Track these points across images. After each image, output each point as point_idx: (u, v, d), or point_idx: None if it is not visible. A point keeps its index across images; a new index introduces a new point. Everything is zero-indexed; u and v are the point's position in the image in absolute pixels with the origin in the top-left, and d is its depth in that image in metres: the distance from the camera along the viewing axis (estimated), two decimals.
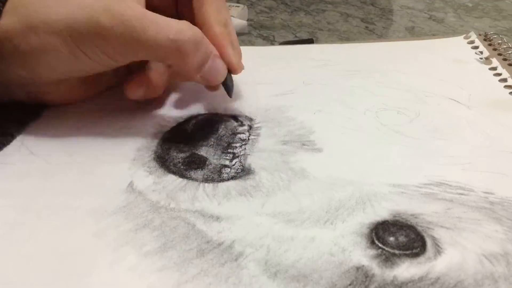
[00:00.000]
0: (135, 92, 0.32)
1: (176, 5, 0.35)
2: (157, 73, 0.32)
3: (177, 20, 0.28)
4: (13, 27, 0.27)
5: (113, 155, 0.29)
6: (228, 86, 0.32)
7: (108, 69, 0.30)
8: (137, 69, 0.33)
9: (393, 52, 0.44)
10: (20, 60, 0.28)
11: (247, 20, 0.55)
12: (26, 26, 0.27)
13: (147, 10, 0.28)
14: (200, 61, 0.29)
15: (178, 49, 0.28)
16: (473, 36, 0.45)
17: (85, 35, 0.27)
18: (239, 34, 0.52)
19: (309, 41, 0.48)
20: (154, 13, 0.28)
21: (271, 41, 0.51)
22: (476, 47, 0.43)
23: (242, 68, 0.32)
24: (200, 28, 0.30)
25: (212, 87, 0.33)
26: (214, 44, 0.31)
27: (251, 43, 0.50)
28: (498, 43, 0.43)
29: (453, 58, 0.42)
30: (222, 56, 0.31)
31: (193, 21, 0.31)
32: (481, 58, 0.41)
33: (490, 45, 0.43)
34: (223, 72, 0.31)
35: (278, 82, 0.38)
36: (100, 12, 0.27)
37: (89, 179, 0.27)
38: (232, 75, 0.33)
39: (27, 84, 0.31)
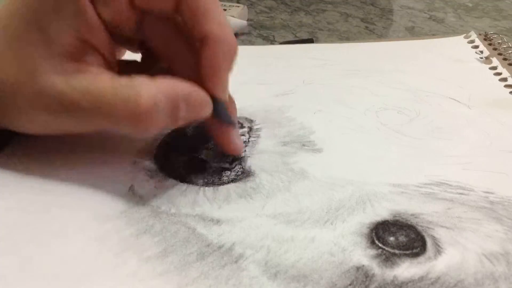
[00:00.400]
0: None
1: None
2: None
3: (126, 86, 0.24)
4: None
5: (113, 158, 0.29)
6: (222, 114, 0.27)
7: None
8: None
9: (393, 52, 0.44)
10: None
11: (247, 20, 0.55)
12: None
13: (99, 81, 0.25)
14: (171, 116, 0.24)
15: (135, 123, 0.24)
16: (473, 35, 0.45)
17: (55, 108, 0.25)
18: (239, 34, 0.52)
19: (309, 41, 0.49)
20: (106, 82, 0.24)
21: (271, 41, 0.51)
22: (476, 47, 0.43)
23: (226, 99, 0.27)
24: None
25: (220, 130, 0.28)
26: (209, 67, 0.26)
27: (251, 43, 0.50)
28: (498, 43, 0.43)
29: (453, 58, 0.42)
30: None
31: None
32: (481, 58, 0.41)
33: (490, 44, 0.43)
34: (206, 103, 0.26)
35: (278, 82, 0.38)
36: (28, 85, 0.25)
37: (89, 181, 0.27)
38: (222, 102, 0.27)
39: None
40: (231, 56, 0.27)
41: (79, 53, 0.25)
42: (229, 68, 0.27)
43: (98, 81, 0.25)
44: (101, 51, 0.26)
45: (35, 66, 0.25)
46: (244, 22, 0.51)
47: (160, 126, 0.24)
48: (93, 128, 0.26)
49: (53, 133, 0.28)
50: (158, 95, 0.24)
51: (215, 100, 0.26)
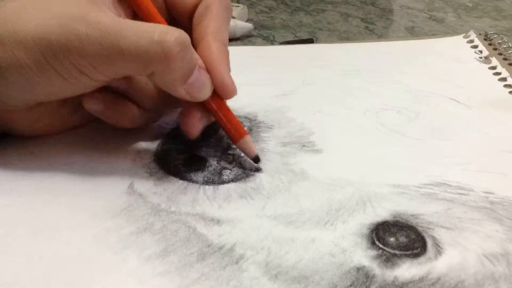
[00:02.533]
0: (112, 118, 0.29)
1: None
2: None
3: (160, 24, 0.26)
4: None
5: (113, 155, 0.29)
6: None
7: (84, 91, 0.27)
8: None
9: (393, 52, 0.44)
10: None
11: (247, 20, 0.55)
12: None
13: (126, 19, 0.26)
14: (186, 69, 0.26)
15: (163, 51, 0.24)
16: (473, 35, 0.45)
17: (57, 48, 0.24)
18: (244, 36, 0.52)
19: (309, 41, 0.49)
20: (135, 21, 0.25)
21: (271, 41, 0.51)
22: (476, 47, 0.43)
23: (235, 91, 0.28)
24: (197, 44, 0.28)
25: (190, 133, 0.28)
26: (210, 61, 0.27)
27: (251, 43, 0.50)
28: (499, 43, 0.43)
29: (453, 58, 0.42)
30: (216, 75, 0.27)
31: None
32: (480, 58, 0.41)
33: (490, 44, 0.43)
34: (209, 87, 0.27)
35: (278, 82, 0.38)
36: (74, 19, 0.24)
37: (89, 178, 0.27)
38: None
39: None
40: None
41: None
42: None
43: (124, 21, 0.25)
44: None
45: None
46: (250, 25, 0.51)
47: (175, 74, 0.25)
48: (104, 72, 0.25)
49: (48, 97, 0.27)
50: (186, 37, 0.25)
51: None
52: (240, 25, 0.50)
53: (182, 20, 0.31)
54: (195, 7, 0.30)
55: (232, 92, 0.28)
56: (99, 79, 0.26)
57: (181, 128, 0.29)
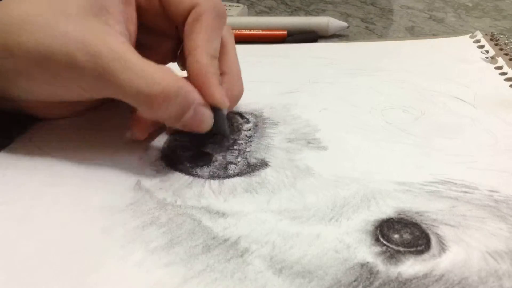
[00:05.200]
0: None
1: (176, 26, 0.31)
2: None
3: (156, 66, 0.26)
4: None
5: (120, 152, 0.29)
6: (221, 130, 0.29)
7: (86, 99, 0.28)
8: None
9: (398, 51, 0.44)
10: None
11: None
12: (3, 47, 0.26)
13: (128, 48, 0.26)
14: (175, 114, 0.26)
15: (147, 101, 0.25)
16: (479, 35, 0.45)
17: (58, 66, 0.25)
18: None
19: (312, 33, 0.49)
20: (134, 53, 0.26)
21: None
22: (482, 46, 0.43)
23: (227, 104, 0.28)
24: (187, 55, 0.28)
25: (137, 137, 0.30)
26: (198, 76, 0.27)
27: (251, 42, 0.50)
28: (505, 43, 0.43)
29: (459, 57, 0.42)
30: (205, 91, 0.27)
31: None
32: (486, 58, 0.41)
33: (496, 44, 0.43)
34: (208, 121, 0.27)
35: (283, 80, 0.38)
36: (75, 45, 0.25)
37: (96, 175, 0.27)
38: (224, 114, 0.29)
39: (10, 100, 0.29)
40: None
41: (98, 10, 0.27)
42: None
43: (129, 49, 0.26)
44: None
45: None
46: (345, 24, 0.50)
47: (164, 116, 0.26)
48: (98, 93, 0.27)
49: (55, 99, 0.29)
50: (182, 89, 0.26)
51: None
52: (333, 23, 0.50)
53: (178, 23, 0.30)
54: (188, 13, 0.29)
55: (222, 105, 0.28)
56: (95, 96, 0.27)
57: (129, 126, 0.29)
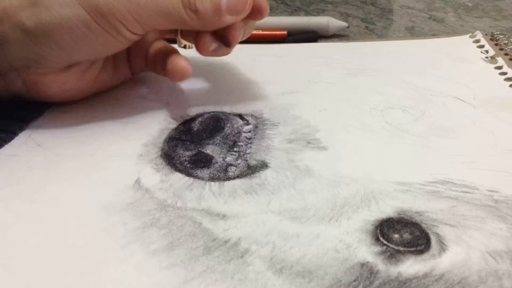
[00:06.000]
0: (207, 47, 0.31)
1: None
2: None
3: None
4: (18, 2, 0.26)
5: (119, 149, 0.29)
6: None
7: (122, 48, 0.30)
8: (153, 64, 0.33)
9: (398, 51, 0.44)
10: (23, 40, 0.27)
11: None
12: (34, 1, 0.26)
13: None
14: (214, 5, 0.28)
15: (190, 11, 0.28)
16: (479, 35, 0.45)
17: (105, 9, 0.26)
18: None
19: (313, 32, 0.49)
20: None
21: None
22: (482, 46, 0.43)
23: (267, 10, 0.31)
24: None
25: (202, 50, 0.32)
26: None
27: (251, 42, 0.50)
28: (505, 43, 0.43)
29: (459, 57, 0.42)
30: None
31: None
32: (486, 58, 0.41)
33: (496, 44, 0.43)
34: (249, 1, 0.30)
35: (283, 81, 0.38)
36: None
37: (96, 173, 0.27)
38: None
39: (27, 71, 0.29)
40: None
41: None
42: None
43: None
44: None
45: None
46: (345, 24, 0.50)
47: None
48: (152, 26, 0.29)
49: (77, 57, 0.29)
50: None
51: None
52: (333, 23, 0.50)
53: None
54: None
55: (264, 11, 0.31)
56: (141, 33, 0.29)
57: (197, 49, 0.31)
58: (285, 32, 0.49)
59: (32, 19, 0.26)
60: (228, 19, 0.29)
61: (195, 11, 0.28)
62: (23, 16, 0.26)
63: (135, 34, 0.29)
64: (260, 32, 0.48)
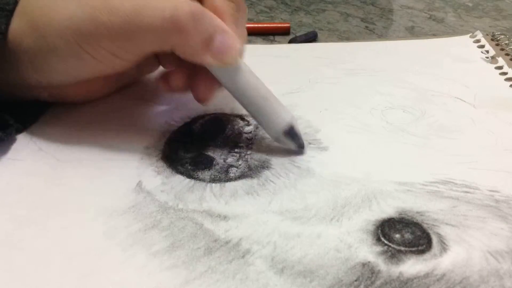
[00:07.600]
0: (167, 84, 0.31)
1: None
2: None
3: None
4: (23, 30, 0.27)
5: (120, 153, 0.29)
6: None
7: (116, 70, 0.30)
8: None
9: (399, 51, 0.44)
10: (31, 64, 0.28)
11: (247, 20, 0.55)
12: (34, 29, 0.27)
13: None
14: (205, 37, 0.26)
15: (175, 27, 0.26)
16: (479, 35, 0.45)
17: (86, 33, 0.27)
18: None
19: (313, 33, 0.49)
20: None
21: (271, 41, 0.51)
22: (482, 46, 0.43)
23: (242, 53, 0.29)
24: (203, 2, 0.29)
25: (203, 99, 0.30)
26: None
27: (251, 43, 0.50)
28: (505, 43, 0.43)
29: (459, 57, 0.42)
30: None
31: None
32: (487, 58, 0.41)
33: (497, 45, 0.43)
34: (237, 48, 0.27)
35: (284, 81, 0.38)
36: (98, 8, 0.26)
37: (97, 176, 0.27)
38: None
39: (46, 87, 0.30)
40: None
41: None
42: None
43: None
44: None
45: None
46: None
47: (195, 39, 0.26)
48: (137, 51, 0.28)
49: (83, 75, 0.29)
50: (207, 11, 0.27)
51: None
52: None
53: None
54: None
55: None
56: (129, 59, 0.29)
57: (194, 96, 0.30)
58: (288, 25, 0.51)
59: (32, 48, 0.28)
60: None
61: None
62: (26, 44, 0.28)
63: (127, 60, 0.29)
64: (263, 25, 0.50)
